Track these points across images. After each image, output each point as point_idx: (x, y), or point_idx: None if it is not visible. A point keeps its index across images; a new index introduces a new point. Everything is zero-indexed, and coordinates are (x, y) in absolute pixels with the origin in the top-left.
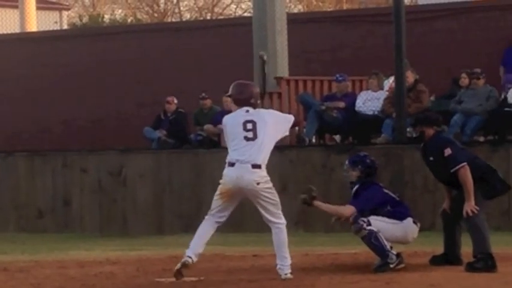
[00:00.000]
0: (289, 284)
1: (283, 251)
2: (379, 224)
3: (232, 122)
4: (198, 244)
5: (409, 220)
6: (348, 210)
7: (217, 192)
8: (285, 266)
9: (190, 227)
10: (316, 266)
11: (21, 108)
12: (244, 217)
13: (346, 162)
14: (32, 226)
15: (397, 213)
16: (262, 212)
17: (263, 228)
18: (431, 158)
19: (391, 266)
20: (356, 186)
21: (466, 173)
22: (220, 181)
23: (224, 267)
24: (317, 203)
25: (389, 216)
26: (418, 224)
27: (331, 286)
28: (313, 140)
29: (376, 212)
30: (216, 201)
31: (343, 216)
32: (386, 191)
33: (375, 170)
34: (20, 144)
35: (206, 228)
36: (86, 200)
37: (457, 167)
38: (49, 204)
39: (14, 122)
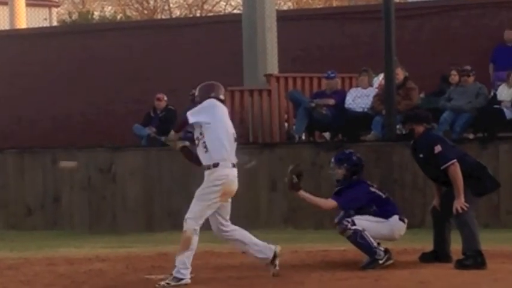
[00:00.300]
0: (279, 281)
1: (254, 245)
2: (363, 223)
3: (226, 119)
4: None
5: (395, 218)
6: (329, 203)
7: (218, 194)
8: (267, 253)
9: (179, 224)
10: (305, 263)
11: (10, 105)
12: (233, 214)
13: (332, 160)
14: (21, 223)
15: (383, 212)
16: (227, 217)
17: (252, 225)
18: (421, 155)
19: (380, 262)
20: (341, 186)
21: (456, 170)
22: (219, 182)
23: (213, 264)
24: (302, 192)
25: (375, 216)
26: (406, 221)
27: (321, 283)
28: (303, 137)
29: (361, 212)
30: (215, 205)
31: (323, 209)
32: (373, 189)
33: (361, 168)
34: (9, 141)
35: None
36: (75, 197)
37: (447, 164)
38: (38, 201)
39: (3, 118)
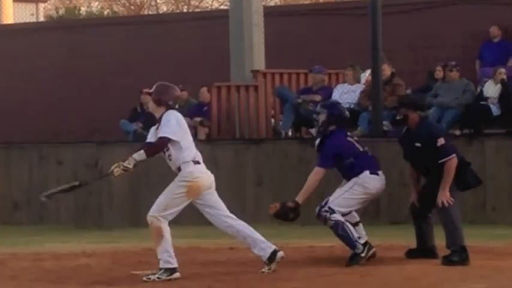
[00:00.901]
0: (265, 277)
1: (257, 236)
2: (339, 201)
3: (183, 119)
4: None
5: (366, 173)
6: (316, 174)
7: (184, 190)
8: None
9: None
10: (292, 259)
11: None
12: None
13: (319, 104)
14: (8, 218)
15: (357, 165)
16: (222, 209)
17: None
18: (418, 144)
19: (362, 255)
20: (320, 137)
21: (452, 165)
22: (188, 179)
23: (200, 260)
24: (298, 201)
25: (350, 168)
26: (379, 173)
27: (308, 279)
28: (289, 133)
29: (339, 165)
30: (180, 200)
31: (319, 181)
32: (350, 139)
33: (342, 121)
34: None
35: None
36: None
37: (447, 158)
38: (25, 196)
39: None
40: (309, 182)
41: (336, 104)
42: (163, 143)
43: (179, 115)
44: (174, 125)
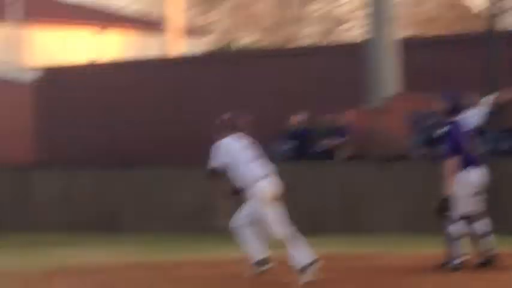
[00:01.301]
0: (392, 284)
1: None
2: (461, 206)
3: (231, 144)
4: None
5: (463, 171)
6: (450, 165)
7: (259, 202)
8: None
9: (316, 227)
10: (421, 267)
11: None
12: (363, 217)
13: (441, 95)
14: (179, 227)
15: (462, 161)
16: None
17: (381, 228)
18: None
19: (448, 267)
20: (444, 129)
21: None
22: (254, 198)
23: (343, 266)
24: (446, 194)
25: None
26: (479, 168)
27: (435, 285)
28: (422, 153)
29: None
30: (270, 208)
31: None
32: (465, 133)
33: (458, 111)
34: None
35: None
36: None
37: None
38: (194, 207)
39: (169, 136)
40: (448, 173)
41: (457, 95)
42: (209, 175)
43: (225, 142)
44: (213, 156)
